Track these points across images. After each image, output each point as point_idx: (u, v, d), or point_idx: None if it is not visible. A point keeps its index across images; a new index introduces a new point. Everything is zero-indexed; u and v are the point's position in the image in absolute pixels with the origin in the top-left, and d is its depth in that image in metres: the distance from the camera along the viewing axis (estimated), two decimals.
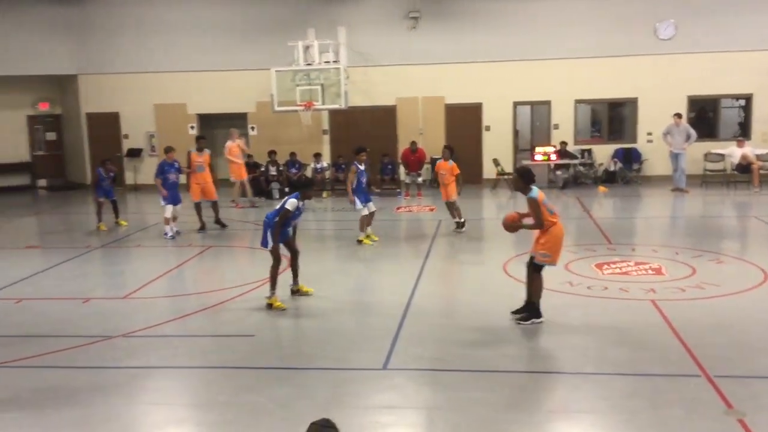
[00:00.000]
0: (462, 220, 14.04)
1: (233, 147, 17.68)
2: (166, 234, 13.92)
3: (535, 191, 8.26)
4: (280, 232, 9.32)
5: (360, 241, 13.06)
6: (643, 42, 19.71)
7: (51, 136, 23.07)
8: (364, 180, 13.21)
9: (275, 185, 19.37)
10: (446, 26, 20.09)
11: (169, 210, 13.93)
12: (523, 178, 8.34)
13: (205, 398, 6.83)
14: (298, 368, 7.37)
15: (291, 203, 9.25)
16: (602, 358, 7.39)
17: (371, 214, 13.25)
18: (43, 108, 22.66)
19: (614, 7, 19.71)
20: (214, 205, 14.84)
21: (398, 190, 19.34)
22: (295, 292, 9.84)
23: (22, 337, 8.53)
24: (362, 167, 13.22)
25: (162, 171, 14.02)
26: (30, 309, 9.67)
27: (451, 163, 14.03)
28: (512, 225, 8.52)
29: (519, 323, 8.45)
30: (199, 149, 14.68)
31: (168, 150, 14.39)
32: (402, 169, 19.61)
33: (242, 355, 7.79)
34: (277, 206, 9.52)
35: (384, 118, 20.59)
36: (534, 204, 8.21)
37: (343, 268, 11.37)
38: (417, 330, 8.38)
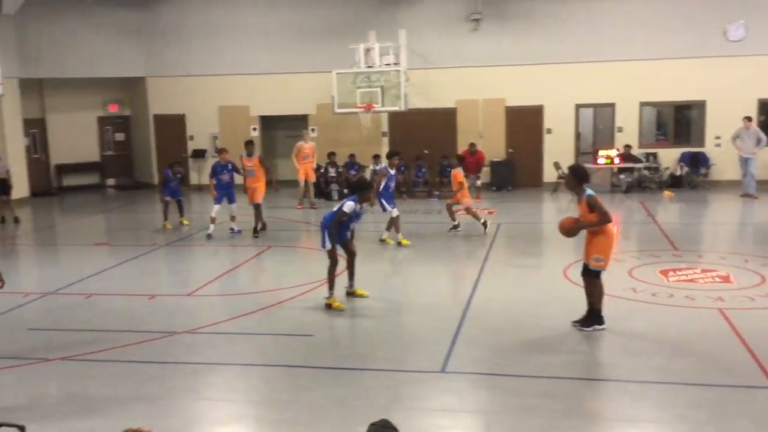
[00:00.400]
0: (483, 220, 14.33)
1: (306, 147, 18.09)
2: (209, 234, 14.13)
3: (590, 190, 8.16)
4: (338, 233, 9.40)
5: (400, 243, 13.20)
6: (711, 43, 19.15)
7: (120, 136, 23.79)
8: (392, 184, 13.49)
9: (334, 186, 19.53)
10: (508, 28, 19.93)
11: (215, 209, 14.12)
12: (576, 177, 8.20)
13: (265, 395, 6.94)
14: (356, 369, 7.42)
15: (348, 206, 9.34)
16: (667, 368, 7.21)
17: (397, 217, 13.32)
18: (113, 109, 23.40)
19: (682, 7, 19.22)
20: (257, 209, 14.57)
21: None
22: (350, 294, 9.91)
23: (91, 331, 8.82)
24: (393, 171, 13.50)
25: (215, 173, 14.24)
26: (99, 304, 10.00)
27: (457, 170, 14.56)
28: (571, 228, 8.34)
29: (581, 329, 8.33)
30: (249, 154, 14.67)
31: (221, 151, 14.60)
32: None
33: (301, 354, 7.89)
34: (335, 208, 9.62)
35: (443, 120, 20.54)
36: (593, 201, 8.02)
37: (399, 270, 11.39)
38: (475, 333, 8.33)
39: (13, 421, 4.55)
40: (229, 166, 14.30)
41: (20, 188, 19.06)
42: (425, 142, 20.42)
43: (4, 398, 6.88)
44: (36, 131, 22.14)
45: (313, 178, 18.38)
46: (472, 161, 18.84)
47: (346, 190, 19.50)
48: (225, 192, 14.25)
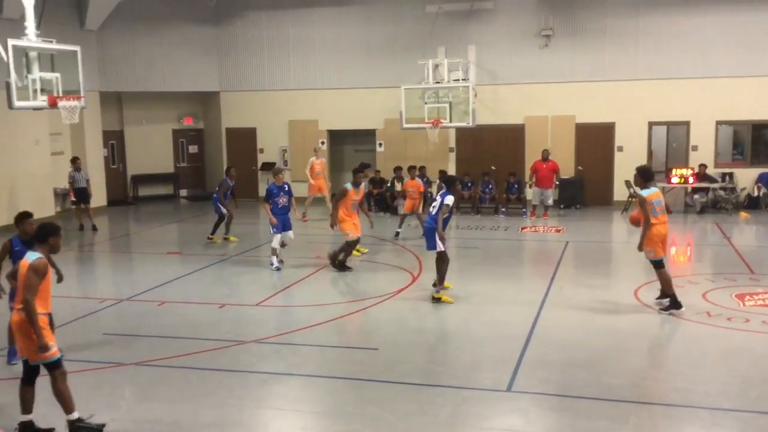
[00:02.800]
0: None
1: (317, 164, 18.64)
2: (271, 265, 12.80)
3: (647, 191, 9.55)
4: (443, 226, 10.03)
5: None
6: None
7: (193, 149, 24.48)
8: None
9: (401, 201, 19.58)
10: (579, 44, 19.68)
11: (277, 240, 12.68)
12: (641, 175, 9.75)
13: (330, 407, 7.00)
14: (422, 384, 7.41)
15: (449, 199, 10.03)
16: (743, 394, 6.96)
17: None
18: (187, 123, 24.10)
19: (759, 24, 18.62)
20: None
21: (524, 209, 19.07)
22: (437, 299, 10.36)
23: (164, 338, 9.08)
24: (363, 184, 13.34)
25: (271, 195, 12.66)
26: (171, 311, 10.29)
27: (418, 181, 15.96)
28: (635, 220, 9.85)
29: (660, 312, 9.52)
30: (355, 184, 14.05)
31: (277, 172, 13.26)
32: (528, 189, 19.26)
33: (366, 368, 7.93)
34: (433, 210, 10.24)
35: (512, 136, 20.40)
36: (641, 201, 9.50)
37: (465, 287, 11.33)
38: (543, 353, 8.22)
39: (92, 422, 4.71)
40: (286, 188, 12.93)
41: (98, 197, 19.78)
42: (493, 158, 20.30)
43: (82, 400, 7.14)
44: (114, 143, 22.99)
45: (325, 192, 18.86)
46: (544, 170, 18.35)
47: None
48: (283, 217, 12.78)
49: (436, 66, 18.81)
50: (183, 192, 24.21)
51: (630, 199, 18.79)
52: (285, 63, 21.90)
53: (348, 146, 22.83)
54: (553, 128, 20.17)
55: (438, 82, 18.68)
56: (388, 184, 20.06)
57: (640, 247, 9.66)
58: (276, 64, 21.99)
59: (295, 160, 22.03)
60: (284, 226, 12.78)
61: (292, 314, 10.20)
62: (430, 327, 9.75)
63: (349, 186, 12.66)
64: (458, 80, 18.76)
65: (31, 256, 6.24)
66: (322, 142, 21.97)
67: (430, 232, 10.24)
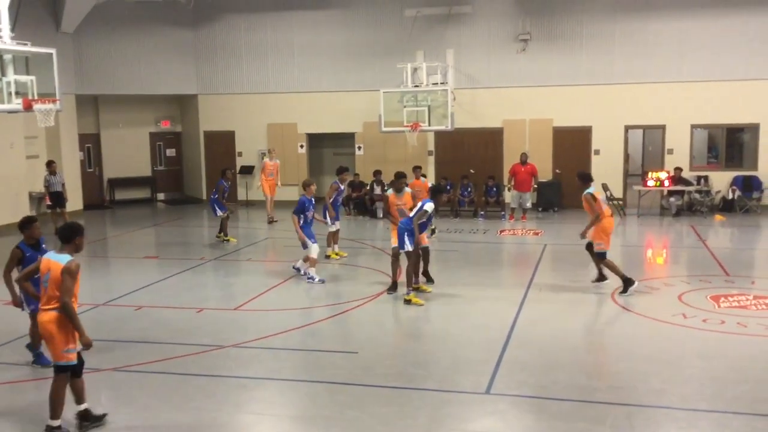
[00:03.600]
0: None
1: (270, 165, 19.01)
2: (312, 279, 11.97)
3: (592, 188, 10.83)
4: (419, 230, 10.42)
5: (328, 257, 13.71)
6: (765, 65, 18.77)
7: (171, 152, 24.32)
8: (340, 198, 14.55)
9: (379, 204, 19.59)
10: (556, 48, 19.84)
11: (315, 250, 12.01)
12: (581, 179, 11.21)
13: (309, 412, 6.98)
14: (401, 387, 7.42)
15: (429, 206, 10.42)
16: (719, 395, 7.05)
17: (337, 231, 13.92)
18: (165, 126, 23.94)
19: (736, 28, 18.90)
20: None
21: (502, 212, 19.16)
22: (416, 289, 10.74)
23: (141, 343, 8.99)
24: (342, 187, 14.32)
25: (303, 209, 11.99)
26: (148, 316, 10.20)
27: (423, 180, 16.15)
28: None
29: (621, 295, 10.54)
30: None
31: (308, 184, 12.53)
32: (506, 192, 19.36)
33: (346, 372, 7.91)
34: (411, 213, 10.71)
35: (490, 140, 20.51)
36: (590, 198, 10.76)
37: (444, 291, 11.36)
38: (521, 356, 8.26)
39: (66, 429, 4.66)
40: (313, 201, 12.36)
41: (74, 201, 19.59)
42: (471, 161, 20.41)
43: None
44: (90, 146, 22.78)
45: (274, 194, 18.93)
46: (523, 173, 18.45)
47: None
48: (308, 229, 12.09)
49: (415, 69, 18.87)
50: (161, 196, 24.04)
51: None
52: (263, 66, 21.84)
53: (327, 149, 22.81)
54: (531, 131, 20.31)
55: (417, 86, 18.73)
56: (368, 187, 20.06)
57: (583, 235, 11.05)
58: (254, 67, 21.92)
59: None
60: (310, 238, 12.07)
61: (271, 318, 10.16)
62: (409, 330, 9.76)
63: (390, 191, 12.65)
64: (437, 84, 18.83)
65: (62, 258, 6.28)
66: (301, 146, 21.93)
67: (403, 232, 10.44)
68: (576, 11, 19.77)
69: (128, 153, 23.34)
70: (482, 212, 19.14)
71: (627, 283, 10.73)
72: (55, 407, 6.31)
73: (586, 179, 11.26)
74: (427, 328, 9.74)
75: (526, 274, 12.48)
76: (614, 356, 8.26)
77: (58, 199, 17.48)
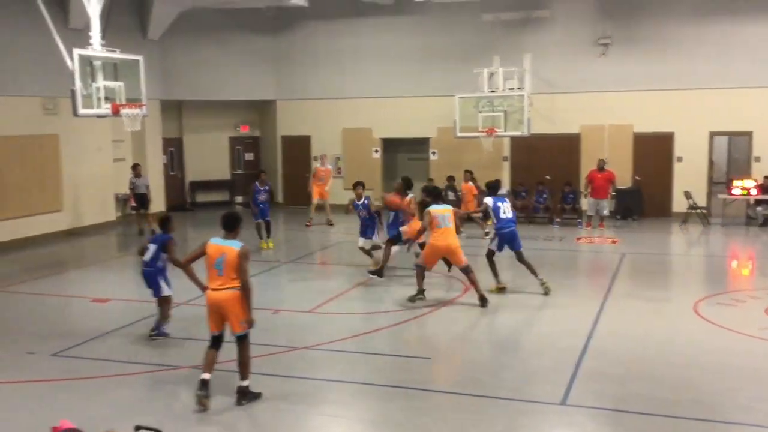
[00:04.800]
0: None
1: (321, 170, 19.24)
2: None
3: (435, 206, 10.76)
4: None
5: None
6: None
7: (249, 156, 24.85)
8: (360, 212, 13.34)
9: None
10: (638, 52, 19.31)
11: (365, 243, 13.10)
12: (428, 194, 11.36)
13: (381, 416, 7.00)
14: (474, 395, 7.35)
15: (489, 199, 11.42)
16: None
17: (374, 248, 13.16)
18: (244, 130, 24.51)
19: None
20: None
21: (579, 220, 18.77)
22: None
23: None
24: (358, 202, 13.23)
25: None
26: None
27: (471, 184, 16.87)
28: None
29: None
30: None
31: (357, 185, 13.37)
32: (583, 199, 18.96)
33: (418, 377, 7.91)
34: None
35: (567, 146, 20.13)
36: (426, 213, 10.68)
37: (517, 298, 11.21)
38: (598, 367, 8.07)
39: (151, 425, 4.82)
40: (366, 202, 13.11)
41: (158, 203, 20.24)
42: (547, 167, 20.06)
43: (141, 402, 7.30)
44: (173, 150, 23.52)
45: (326, 198, 19.16)
46: (600, 179, 18.02)
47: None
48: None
49: (491, 74, 18.71)
50: (238, 198, 24.58)
51: (689, 210, 18.34)
52: (340, 72, 22.08)
53: (401, 154, 22.86)
54: (611, 137, 19.83)
55: (493, 91, 18.57)
56: (441, 193, 19.95)
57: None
58: (331, 72, 22.18)
59: (348, 168, 22.17)
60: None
61: (345, 321, 10.24)
62: (482, 337, 9.67)
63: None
64: (513, 89, 18.61)
65: (233, 244, 7.24)
66: (376, 150, 22.06)
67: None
68: (658, 14, 19.21)
69: (209, 157, 23.98)
70: (558, 219, 18.81)
71: (418, 293, 10.83)
72: (246, 369, 7.16)
73: (434, 195, 11.28)
74: (501, 336, 9.63)
75: (603, 283, 12.18)
76: (696, 369, 7.97)
77: (142, 200, 18.12)
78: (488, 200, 11.65)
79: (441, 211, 10.73)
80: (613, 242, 16.18)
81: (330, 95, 22.23)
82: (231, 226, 7.39)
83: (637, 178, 19.70)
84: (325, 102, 22.35)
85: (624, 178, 19.43)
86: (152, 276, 9.33)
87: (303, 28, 22.39)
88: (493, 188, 12.00)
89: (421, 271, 10.96)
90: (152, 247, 9.34)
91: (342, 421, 6.94)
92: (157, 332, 9.32)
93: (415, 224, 11.89)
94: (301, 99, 22.68)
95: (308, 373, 8.04)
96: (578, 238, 16.78)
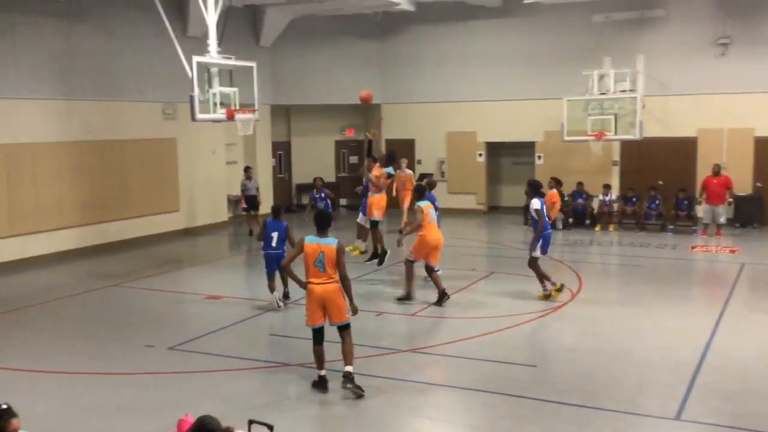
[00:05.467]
0: None
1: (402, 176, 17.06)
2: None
3: (423, 202, 11.10)
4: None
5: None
6: None
7: (354, 159, 25.24)
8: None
9: (559, 215, 19.09)
10: (760, 52, 18.25)
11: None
12: (417, 193, 11.56)
13: (485, 422, 6.93)
14: (581, 405, 7.16)
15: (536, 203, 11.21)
16: None
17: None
18: (349, 134, 24.91)
19: None
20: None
21: (694, 227, 17.94)
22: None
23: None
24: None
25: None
26: None
27: (553, 191, 16.44)
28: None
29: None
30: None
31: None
32: (699, 206, 18.09)
33: (523, 385, 7.78)
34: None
35: (682, 150, 19.28)
36: (418, 210, 11.00)
37: (628, 308, 10.83)
38: (716, 381, 7.69)
39: (263, 420, 4.97)
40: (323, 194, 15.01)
41: (267, 204, 20.83)
42: (660, 172, 19.29)
43: (252, 398, 7.55)
44: (282, 153, 24.19)
45: (405, 205, 16.66)
46: (715, 185, 17.15)
47: (571, 220, 19.03)
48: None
49: (602, 76, 18.19)
50: (342, 201, 24.99)
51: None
52: (445, 75, 22.06)
53: (506, 158, 22.61)
54: (729, 142, 18.84)
55: (603, 93, 18.04)
56: (424, 190, 19.50)
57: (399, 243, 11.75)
58: (436, 76, 22.20)
59: (452, 172, 22.12)
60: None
61: (448, 325, 10.22)
62: (590, 346, 9.39)
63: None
64: (625, 91, 18.02)
65: (330, 241, 7.59)
66: (480, 154, 21.90)
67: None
68: None
69: (315, 160, 24.52)
70: (671, 226, 18.05)
71: (442, 296, 10.97)
72: (351, 356, 7.57)
73: (420, 193, 11.52)
74: (609, 345, 9.32)
75: (721, 294, 11.58)
76: None
77: (252, 202, 18.75)
78: (536, 202, 11.35)
79: (429, 207, 11.27)
80: (732, 251, 15.38)
81: (434, 99, 22.26)
82: (324, 225, 7.73)
83: (758, 184, 18.63)
84: (430, 105, 22.39)
85: (744, 185, 18.42)
86: (278, 258, 10.74)
87: (409, 32, 22.52)
88: (536, 188, 11.67)
89: (410, 266, 11.32)
90: (276, 235, 10.92)
91: (444, 426, 6.93)
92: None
93: (380, 200, 12.85)
94: (405, 103, 22.82)
95: (411, 376, 8.06)
96: (693, 247, 16.05)
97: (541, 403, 7.24)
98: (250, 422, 5.02)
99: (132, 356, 8.90)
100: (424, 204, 11.22)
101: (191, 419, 4.17)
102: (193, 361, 8.68)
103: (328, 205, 15.85)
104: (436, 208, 11.96)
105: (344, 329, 7.64)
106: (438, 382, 7.91)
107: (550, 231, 11.65)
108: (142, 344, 9.32)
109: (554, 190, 16.95)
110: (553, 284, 11.33)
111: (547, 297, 11.23)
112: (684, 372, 7.90)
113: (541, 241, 11.33)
